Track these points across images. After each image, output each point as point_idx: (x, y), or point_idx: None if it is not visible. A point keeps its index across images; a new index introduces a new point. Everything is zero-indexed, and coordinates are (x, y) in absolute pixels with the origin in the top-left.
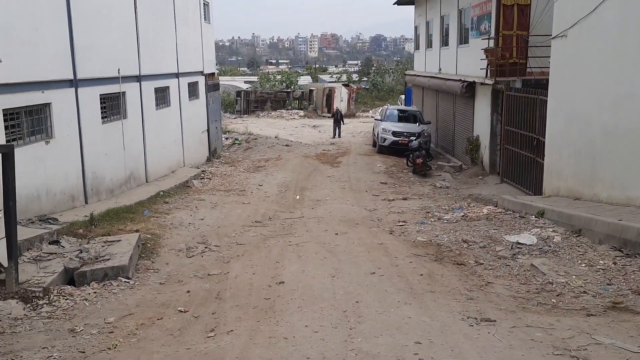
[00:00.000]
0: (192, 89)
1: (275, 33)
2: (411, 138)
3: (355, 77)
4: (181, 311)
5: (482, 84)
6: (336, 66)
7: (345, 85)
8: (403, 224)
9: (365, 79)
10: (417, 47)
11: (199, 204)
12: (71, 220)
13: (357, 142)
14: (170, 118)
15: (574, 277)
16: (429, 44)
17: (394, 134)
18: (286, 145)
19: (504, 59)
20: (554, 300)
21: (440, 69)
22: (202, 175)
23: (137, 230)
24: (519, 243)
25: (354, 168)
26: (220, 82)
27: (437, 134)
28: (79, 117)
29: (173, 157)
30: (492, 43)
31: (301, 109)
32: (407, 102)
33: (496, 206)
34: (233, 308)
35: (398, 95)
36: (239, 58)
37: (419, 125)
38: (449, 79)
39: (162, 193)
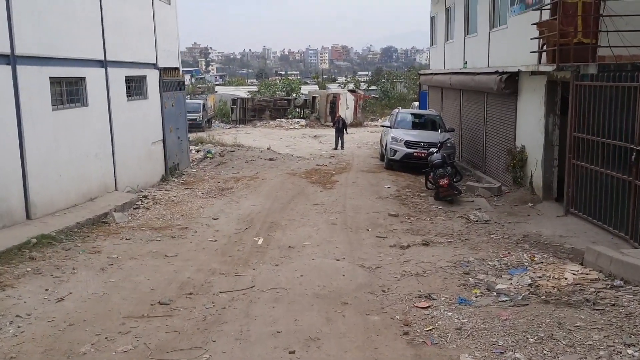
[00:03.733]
0: (136, 86)
1: (287, 45)
2: (431, 150)
3: (364, 85)
4: None
5: (532, 73)
6: (346, 77)
7: (352, 92)
8: (427, 305)
9: (374, 87)
10: (433, 43)
11: (86, 260)
12: None
13: (362, 154)
14: (88, 122)
15: None
16: (449, 35)
17: (408, 144)
18: (270, 160)
19: (566, 36)
20: None
21: (465, 63)
22: (139, 203)
23: None
24: None
25: (352, 191)
26: (221, 92)
27: (461, 145)
28: None
29: (92, 177)
30: (545, 16)
31: (303, 118)
32: (422, 107)
33: (582, 264)
34: None
35: (410, 103)
36: (249, 70)
37: (440, 132)
38: (478, 73)
39: (34, 241)
